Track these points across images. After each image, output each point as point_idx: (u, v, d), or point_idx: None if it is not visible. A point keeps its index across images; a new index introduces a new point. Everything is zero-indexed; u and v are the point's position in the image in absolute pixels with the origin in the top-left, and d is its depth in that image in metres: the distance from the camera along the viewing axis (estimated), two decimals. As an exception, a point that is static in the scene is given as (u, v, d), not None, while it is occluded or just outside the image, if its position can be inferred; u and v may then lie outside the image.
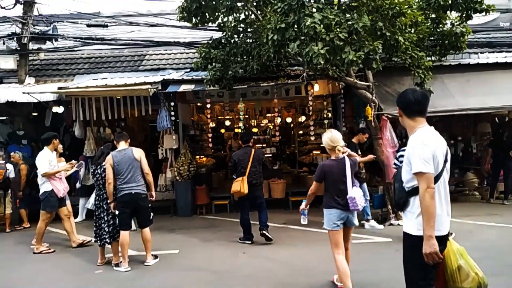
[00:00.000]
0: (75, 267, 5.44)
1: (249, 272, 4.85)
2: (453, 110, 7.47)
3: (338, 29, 5.58)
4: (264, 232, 6.05)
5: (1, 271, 5.43)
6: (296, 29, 5.75)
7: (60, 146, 7.07)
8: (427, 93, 2.82)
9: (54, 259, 5.87)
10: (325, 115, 9.44)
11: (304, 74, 7.49)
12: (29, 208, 8.45)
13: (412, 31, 6.89)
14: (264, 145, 12.07)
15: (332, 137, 3.96)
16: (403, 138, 8.00)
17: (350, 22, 5.70)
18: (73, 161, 6.60)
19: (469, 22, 7.87)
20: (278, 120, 9.86)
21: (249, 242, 6.13)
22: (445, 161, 2.54)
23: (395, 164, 4.59)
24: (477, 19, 8.74)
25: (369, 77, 7.30)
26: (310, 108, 8.90)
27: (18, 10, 9.30)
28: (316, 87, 8.84)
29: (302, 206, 4.22)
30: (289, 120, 12.76)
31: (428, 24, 7.46)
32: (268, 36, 5.91)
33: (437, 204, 2.44)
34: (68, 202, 6.64)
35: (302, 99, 10.54)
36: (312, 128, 8.99)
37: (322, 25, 5.49)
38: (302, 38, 5.79)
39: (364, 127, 7.52)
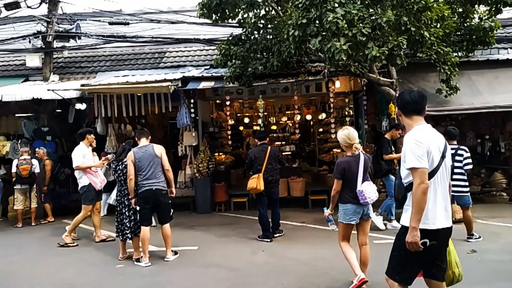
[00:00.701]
0: (97, 260, 5.54)
1: (268, 271, 4.81)
2: (480, 107, 7.23)
3: (361, 24, 5.45)
4: (275, 236, 6.24)
5: (26, 263, 5.58)
6: (317, 25, 5.66)
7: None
8: (423, 93, 2.85)
9: (77, 253, 5.99)
10: (346, 113, 9.28)
11: (325, 70, 7.38)
12: (53, 202, 8.68)
13: (438, 26, 6.66)
14: (283, 142, 11.97)
15: (349, 134, 4.02)
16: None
17: (373, 17, 5.56)
18: (109, 156, 6.76)
19: (498, 16, 7.56)
20: (298, 117, 9.75)
21: (268, 240, 6.13)
22: (442, 157, 2.62)
23: None
24: (507, 13, 8.38)
25: (392, 74, 7.12)
26: (331, 105, 8.75)
27: (43, 9, 9.54)
28: (338, 83, 8.69)
29: (327, 212, 4.16)
30: (309, 117, 12.62)
31: (455, 19, 7.21)
32: (289, 32, 5.84)
33: (431, 199, 2.55)
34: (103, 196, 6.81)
35: (322, 96, 10.39)
36: (333, 125, 8.85)
37: (344, 20, 5.38)
38: (324, 33, 5.69)
39: (398, 123, 7.33)
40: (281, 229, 6.43)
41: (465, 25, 7.51)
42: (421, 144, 2.55)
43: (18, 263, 5.60)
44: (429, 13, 6.00)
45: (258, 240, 6.20)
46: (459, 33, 7.62)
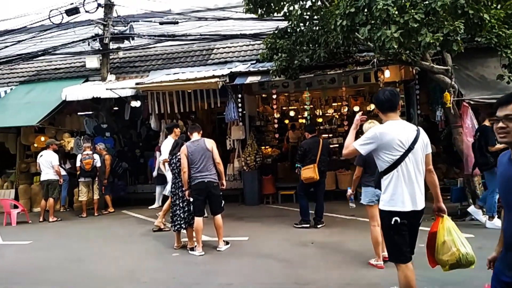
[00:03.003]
0: (154, 249, 5.88)
1: (319, 263, 4.83)
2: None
3: (413, 10, 5.23)
4: (317, 226, 6.45)
5: (93, 250, 6.05)
6: (366, 13, 5.51)
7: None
8: (395, 91, 3.18)
9: (136, 242, 6.38)
10: (397, 103, 8.95)
11: (375, 60, 7.16)
12: (112, 194, 9.30)
13: (499, 7, 6.20)
14: (330, 135, 11.81)
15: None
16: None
17: (426, 2, 5.31)
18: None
19: None
20: (345, 109, 9.56)
21: (307, 225, 6.50)
22: (409, 150, 2.94)
23: None
24: None
25: (447, 61, 6.76)
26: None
27: (100, 13, 10.14)
28: (387, 73, 8.41)
29: (349, 191, 4.82)
30: (356, 109, 12.30)
31: (518, -2, 6.66)
32: (337, 22, 5.74)
33: (398, 186, 2.95)
34: None
35: (371, 87, 10.11)
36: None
37: (395, 7, 5.19)
38: (373, 22, 5.53)
39: (493, 111, 6.82)
40: (323, 221, 6.58)
41: (530, 4, 6.92)
42: (375, 136, 2.99)
43: (85, 250, 6.09)
44: (488, -7, 5.61)
45: (296, 227, 6.54)
46: (524, 13, 7.03)
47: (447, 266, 2.99)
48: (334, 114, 12.67)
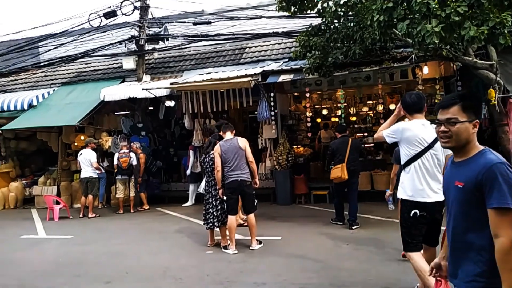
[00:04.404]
0: (188, 246, 5.96)
1: (354, 265, 4.71)
2: None
3: (455, 3, 4.96)
4: (352, 228, 6.35)
5: (130, 245, 6.23)
6: (405, 7, 5.29)
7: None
8: (421, 94, 3.52)
9: (171, 238, 6.51)
10: (436, 100, 8.57)
11: (413, 56, 6.90)
12: (147, 192, 9.54)
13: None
14: (365, 134, 11.52)
15: None
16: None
17: (470, -6, 5.02)
18: None
19: None
20: (381, 107, 9.28)
21: (341, 223, 6.61)
22: (429, 147, 3.23)
23: None
24: None
25: (492, 55, 6.39)
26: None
27: (136, 15, 10.42)
28: (426, 69, 8.08)
29: (388, 193, 4.95)
30: (392, 107, 11.93)
31: None
32: (373, 17, 5.55)
33: (418, 178, 3.23)
34: None
35: (408, 84, 9.74)
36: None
37: (436, 0, 4.95)
38: (411, 16, 5.31)
39: None
40: (357, 222, 6.46)
41: None
42: (398, 130, 3.36)
43: (122, 245, 6.28)
44: (540, -18, 5.23)
45: (332, 222, 6.64)
46: None
47: None
48: (368, 112, 12.35)
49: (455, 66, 7.48)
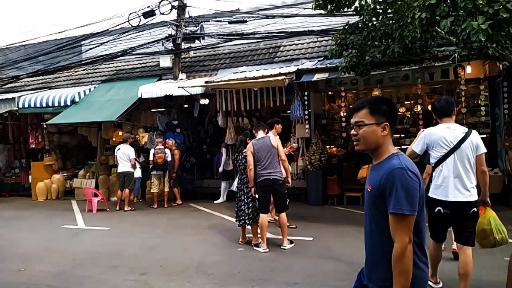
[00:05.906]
0: (220, 242, 6.03)
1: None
2: None
3: (504, -1, 4.69)
4: None
5: (164, 239, 6.38)
6: (449, 4, 5.06)
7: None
8: (450, 99, 3.64)
9: (204, 234, 6.60)
10: (480, 102, 8.15)
11: (456, 54, 6.60)
12: (180, 187, 9.74)
13: None
14: (402, 135, 11.15)
15: None
16: None
17: (521, -12, 4.73)
18: (294, 145, 7.28)
19: None
20: (419, 107, 8.94)
21: None
22: (455, 148, 3.40)
23: None
24: None
25: (543, 54, 5.99)
26: (462, 93, 7.78)
27: (173, 14, 10.64)
28: (469, 69, 7.69)
29: None
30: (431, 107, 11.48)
31: None
32: (415, 14, 5.35)
33: (443, 178, 3.42)
34: None
35: (449, 84, 9.32)
36: (463, 116, 7.89)
37: (483, -4, 4.70)
38: (454, 13, 5.07)
39: None
40: None
41: None
42: (423, 138, 3.56)
43: (157, 238, 6.44)
44: None
45: None
46: None
47: (482, 247, 3.58)
48: (405, 113, 11.93)
49: (501, 66, 7.09)
